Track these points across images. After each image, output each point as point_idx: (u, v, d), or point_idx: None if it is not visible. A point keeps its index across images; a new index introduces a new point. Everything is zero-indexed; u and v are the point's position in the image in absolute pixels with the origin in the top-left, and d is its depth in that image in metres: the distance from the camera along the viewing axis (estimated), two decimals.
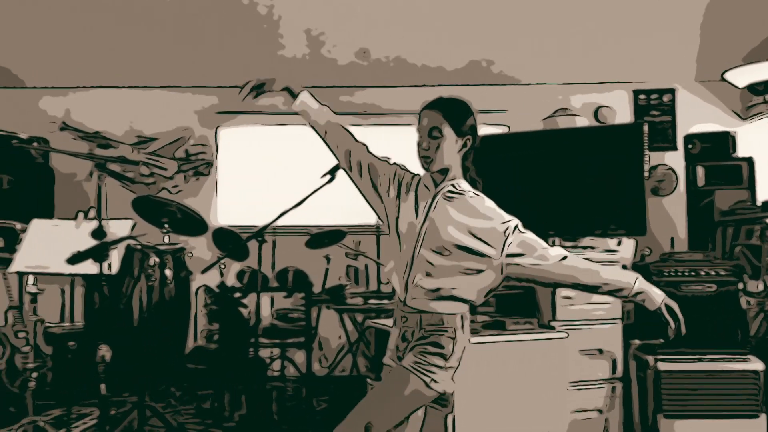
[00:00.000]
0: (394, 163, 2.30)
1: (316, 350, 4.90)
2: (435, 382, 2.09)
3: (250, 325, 4.53)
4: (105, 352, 2.98)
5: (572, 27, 4.91)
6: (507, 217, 2.12)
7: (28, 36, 5.05)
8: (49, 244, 3.27)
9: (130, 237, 3.14)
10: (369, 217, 4.98)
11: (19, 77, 5.44)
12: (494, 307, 3.36)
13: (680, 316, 2.02)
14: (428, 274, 2.11)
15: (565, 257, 2.07)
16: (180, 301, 3.93)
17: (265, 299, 4.71)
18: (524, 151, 3.71)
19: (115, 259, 3.10)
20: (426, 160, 2.15)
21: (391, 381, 2.15)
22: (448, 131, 2.15)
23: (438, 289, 2.11)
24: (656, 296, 2.03)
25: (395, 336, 2.23)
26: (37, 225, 3.36)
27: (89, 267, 3.00)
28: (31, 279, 3.36)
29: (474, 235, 2.08)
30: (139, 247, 3.55)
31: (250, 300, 4.62)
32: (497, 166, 3.62)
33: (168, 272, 3.79)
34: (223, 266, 4.34)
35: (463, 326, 2.16)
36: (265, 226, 3.66)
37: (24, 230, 3.39)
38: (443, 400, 2.89)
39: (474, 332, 2.96)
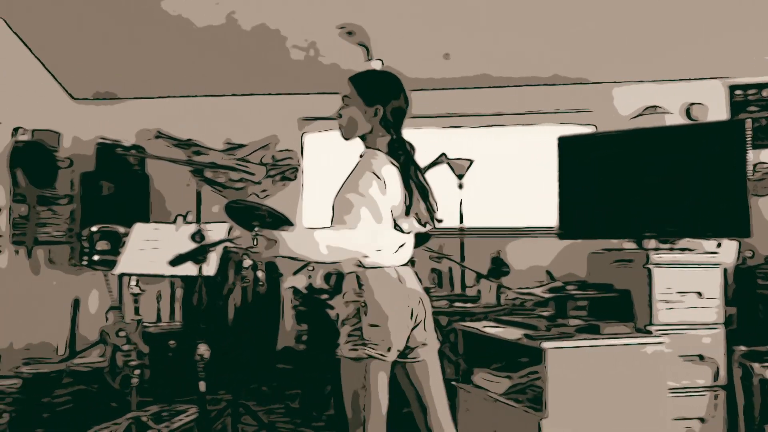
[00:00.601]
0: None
1: None
2: (356, 348, 2.21)
3: (337, 327, 4.60)
4: (204, 350, 3.08)
5: (662, 22, 4.75)
6: (355, 183, 2.18)
7: (123, 52, 5.32)
8: (150, 247, 3.42)
9: (227, 240, 3.24)
10: (452, 220, 5.02)
11: (115, 90, 5.74)
12: (587, 310, 3.28)
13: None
14: None
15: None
16: (271, 302, 4.03)
17: None
18: (615, 151, 3.60)
19: (213, 261, 3.21)
20: (340, 128, 2.31)
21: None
22: (356, 100, 2.24)
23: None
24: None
25: None
26: (139, 228, 3.52)
27: (189, 269, 3.11)
28: (133, 280, 3.51)
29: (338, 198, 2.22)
30: (234, 249, 3.66)
31: (336, 302, 4.70)
32: (586, 167, 3.55)
33: (260, 274, 3.90)
34: (311, 268, 4.42)
35: (361, 285, 2.24)
36: None
37: (126, 234, 3.55)
38: (537, 405, 2.85)
39: (568, 336, 2.91)
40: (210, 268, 3.23)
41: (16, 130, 5.03)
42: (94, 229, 3.60)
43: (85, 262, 3.65)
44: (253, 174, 5.45)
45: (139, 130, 5.57)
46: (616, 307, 3.25)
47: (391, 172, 2.24)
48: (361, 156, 2.31)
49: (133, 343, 4.87)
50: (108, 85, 5.71)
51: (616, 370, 2.88)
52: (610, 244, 3.55)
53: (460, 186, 4.88)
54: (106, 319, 4.82)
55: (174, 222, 3.46)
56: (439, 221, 2.42)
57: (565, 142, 3.51)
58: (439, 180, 4.24)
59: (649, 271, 3.11)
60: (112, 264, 3.55)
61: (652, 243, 3.32)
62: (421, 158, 4.17)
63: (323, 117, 5.61)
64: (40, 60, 5.42)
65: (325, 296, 4.56)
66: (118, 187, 5.31)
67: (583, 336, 2.93)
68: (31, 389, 3.92)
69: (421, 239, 4.62)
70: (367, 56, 2.49)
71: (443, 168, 4.37)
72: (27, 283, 5.18)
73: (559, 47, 5.03)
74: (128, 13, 4.98)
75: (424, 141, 5.53)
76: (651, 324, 3.17)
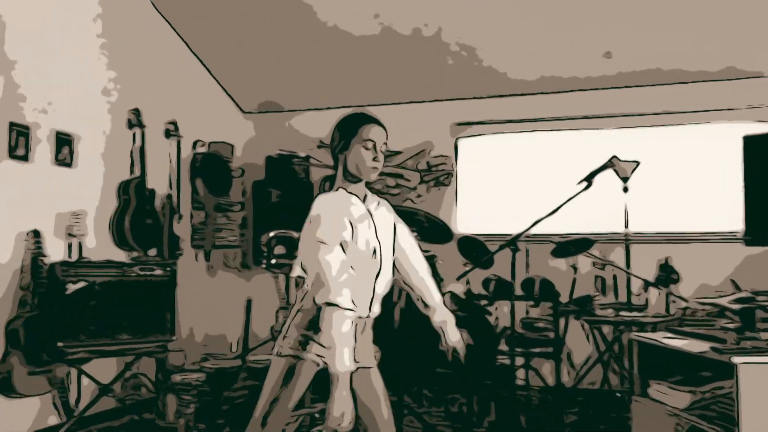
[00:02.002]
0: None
1: (563, 361, 4.78)
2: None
3: (497, 333, 4.58)
4: (376, 352, 3.17)
5: None
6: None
7: (286, 66, 5.62)
8: None
9: None
10: (617, 226, 4.83)
11: (279, 102, 6.09)
12: None
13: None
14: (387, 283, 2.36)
15: None
16: None
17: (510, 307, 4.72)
18: None
19: None
20: (377, 172, 2.30)
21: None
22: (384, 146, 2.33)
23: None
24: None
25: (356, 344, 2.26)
26: None
27: None
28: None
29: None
30: None
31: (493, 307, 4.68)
32: None
33: None
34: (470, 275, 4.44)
35: None
36: (519, 235, 3.69)
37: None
38: (728, 423, 2.67)
39: (762, 351, 2.70)
40: None
41: (195, 143, 5.47)
42: (271, 234, 3.83)
43: (263, 265, 3.89)
44: (408, 180, 5.56)
45: (303, 141, 5.87)
46: None
47: None
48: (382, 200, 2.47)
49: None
50: (275, 98, 6.06)
51: None
52: None
53: (626, 189, 4.70)
54: (276, 318, 5.11)
55: None
56: None
57: (751, 142, 3.26)
58: (603, 183, 4.09)
59: None
60: (288, 267, 3.76)
61: None
62: (587, 161, 4.07)
63: (477, 122, 5.62)
64: (214, 77, 5.87)
65: (484, 302, 4.56)
66: (285, 194, 5.61)
67: None
68: (213, 383, 4.24)
69: (584, 245, 4.50)
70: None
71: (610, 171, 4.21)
72: (205, 284, 5.61)
73: (732, 39, 4.68)
74: (289, 28, 5.25)
75: (588, 143, 5.39)
76: None
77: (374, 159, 2.28)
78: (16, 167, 4.04)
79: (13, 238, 4.01)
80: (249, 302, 5.24)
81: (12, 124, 4.01)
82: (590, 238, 4.51)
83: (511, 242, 3.60)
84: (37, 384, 3.95)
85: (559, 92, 5.39)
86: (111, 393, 4.22)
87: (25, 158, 4.08)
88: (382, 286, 2.35)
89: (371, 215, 2.33)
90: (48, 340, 3.91)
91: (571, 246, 4.48)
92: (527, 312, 4.75)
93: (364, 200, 2.35)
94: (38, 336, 3.92)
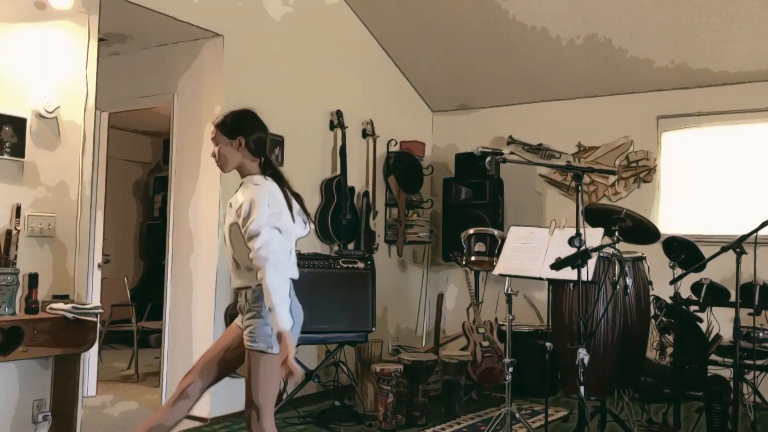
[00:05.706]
0: None
1: None
2: (271, 347, 2.46)
3: (708, 341, 4.25)
4: (584, 356, 3.07)
5: None
6: (249, 204, 2.43)
7: (476, 64, 5.62)
8: (525, 250, 3.54)
9: (609, 245, 3.20)
10: None
11: (467, 101, 6.09)
12: None
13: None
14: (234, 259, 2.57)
15: (265, 261, 2.38)
16: (639, 311, 3.88)
17: (723, 314, 4.35)
18: None
19: (591, 266, 3.18)
20: (217, 163, 2.62)
21: (251, 365, 2.50)
22: (221, 138, 2.59)
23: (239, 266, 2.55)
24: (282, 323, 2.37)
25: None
26: (514, 232, 3.66)
27: (567, 273, 3.14)
28: (506, 281, 3.66)
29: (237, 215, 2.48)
30: (605, 254, 3.60)
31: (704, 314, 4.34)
32: None
33: (628, 281, 3.77)
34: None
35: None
36: (745, 236, 3.39)
37: (501, 237, 3.73)
38: None
39: None
40: (587, 273, 3.21)
41: (389, 142, 5.65)
42: (471, 231, 3.83)
43: (463, 262, 3.92)
44: (610, 174, 5.30)
45: (492, 138, 5.84)
46: None
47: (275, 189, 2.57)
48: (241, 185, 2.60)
49: (493, 339, 5.11)
50: (463, 95, 6.08)
51: None
52: None
53: None
54: (467, 314, 5.15)
55: (548, 226, 3.53)
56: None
57: None
58: None
59: None
60: (487, 264, 3.75)
61: None
62: None
63: (683, 114, 5.24)
64: (407, 78, 6.01)
65: (694, 308, 4.25)
66: (475, 191, 5.62)
67: None
68: (410, 375, 4.35)
69: None
70: None
71: None
72: (396, 278, 5.78)
73: None
74: (478, 28, 5.23)
75: None
76: None
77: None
78: None
79: None
80: (441, 297, 5.32)
81: None
82: None
83: (737, 244, 3.32)
84: None
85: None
86: (317, 379, 4.48)
87: None
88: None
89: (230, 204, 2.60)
90: None
91: None
92: (755, 321, 4.34)
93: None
94: None
